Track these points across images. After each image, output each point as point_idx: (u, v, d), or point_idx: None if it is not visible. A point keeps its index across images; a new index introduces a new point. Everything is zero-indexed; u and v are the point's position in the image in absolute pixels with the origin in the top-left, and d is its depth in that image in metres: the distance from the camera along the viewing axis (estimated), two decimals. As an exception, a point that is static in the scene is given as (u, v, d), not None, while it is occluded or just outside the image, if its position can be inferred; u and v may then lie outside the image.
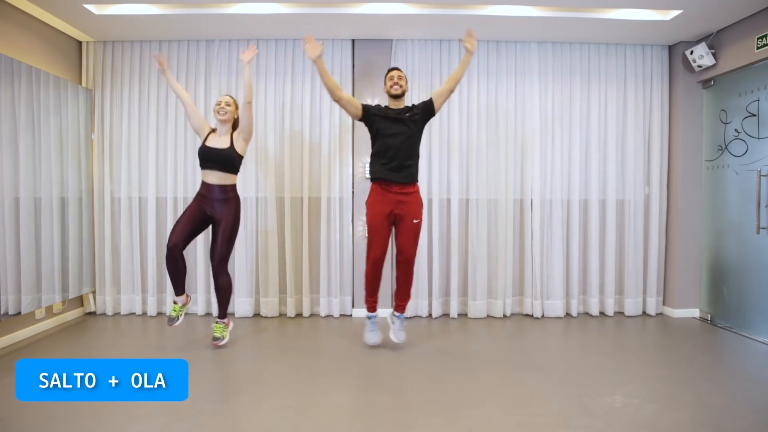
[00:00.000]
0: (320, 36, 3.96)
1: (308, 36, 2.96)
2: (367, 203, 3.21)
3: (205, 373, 2.76)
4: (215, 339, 3.21)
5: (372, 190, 3.18)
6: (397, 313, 3.25)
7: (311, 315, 4.06)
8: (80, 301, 4.03)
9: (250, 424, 2.16)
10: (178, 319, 3.24)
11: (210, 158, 3.10)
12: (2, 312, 3.10)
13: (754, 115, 3.50)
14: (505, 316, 4.05)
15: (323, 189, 4.02)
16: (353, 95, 4.03)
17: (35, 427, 2.11)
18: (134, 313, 4.06)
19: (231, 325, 3.36)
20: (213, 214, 3.14)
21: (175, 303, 3.25)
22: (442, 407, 2.34)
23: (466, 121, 4.04)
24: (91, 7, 3.38)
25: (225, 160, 3.11)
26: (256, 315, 4.05)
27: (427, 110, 3.15)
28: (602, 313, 4.15)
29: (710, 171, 3.96)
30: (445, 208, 4.06)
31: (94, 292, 4.06)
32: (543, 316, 4.07)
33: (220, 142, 3.15)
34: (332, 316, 4.02)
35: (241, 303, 4.00)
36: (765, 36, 3.31)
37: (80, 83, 4.02)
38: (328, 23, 3.66)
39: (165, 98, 4.05)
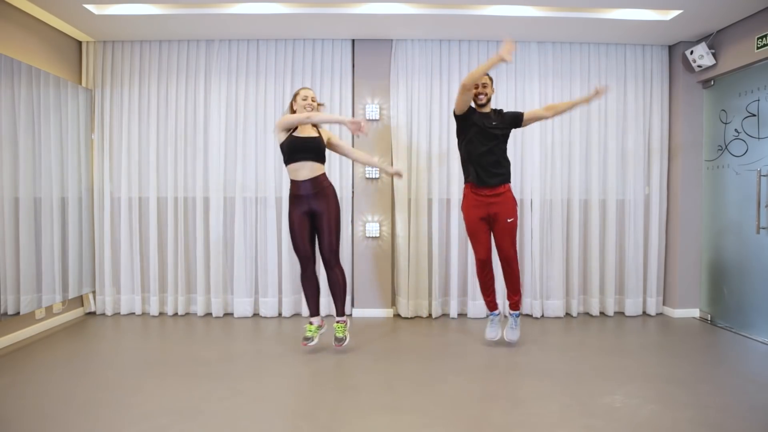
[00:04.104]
0: (320, 36, 3.97)
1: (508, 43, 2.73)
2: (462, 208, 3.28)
3: (205, 373, 2.76)
4: (338, 340, 3.07)
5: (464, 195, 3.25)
6: (510, 312, 3.28)
7: (311, 315, 4.06)
8: (80, 301, 4.03)
9: (250, 425, 2.16)
10: (313, 339, 3.08)
11: (304, 148, 2.96)
12: (2, 312, 3.10)
13: (754, 115, 3.50)
14: (504, 316, 4.04)
15: (323, 189, 4.01)
16: (353, 95, 4.04)
17: (35, 427, 2.11)
18: (134, 313, 4.07)
19: (348, 323, 3.23)
20: (313, 208, 3.02)
21: (310, 323, 3.13)
22: (442, 407, 2.34)
23: (466, 121, 4.04)
24: (91, 7, 3.38)
25: (319, 148, 3.02)
26: (255, 315, 4.06)
27: (513, 121, 3.16)
28: (602, 313, 4.15)
29: (710, 171, 3.96)
30: (445, 208, 4.06)
31: (94, 292, 4.06)
32: (543, 316, 4.07)
33: (308, 132, 3.05)
34: (332, 315, 4.02)
35: (240, 303, 4.01)
36: (765, 36, 3.31)
37: (80, 83, 4.02)
38: (328, 23, 3.66)
39: (165, 98, 4.05)
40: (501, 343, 3.34)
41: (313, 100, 3.06)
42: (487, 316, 3.37)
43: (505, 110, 3.23)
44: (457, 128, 3.18)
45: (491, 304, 3.31)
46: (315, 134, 3.07)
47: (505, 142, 3.16)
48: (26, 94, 3.32)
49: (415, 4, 3.40)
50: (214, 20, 3.59)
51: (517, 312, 3.26)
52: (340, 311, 3.16)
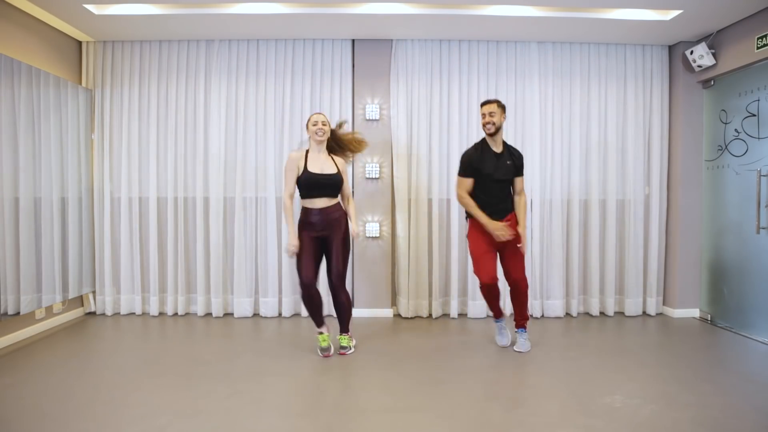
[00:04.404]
0: (320, 36, 3.98)
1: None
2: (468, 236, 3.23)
3: (205, 373, 2.76)
4: (342, 348, 3.14)
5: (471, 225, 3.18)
6: (516, 329, 3.25)
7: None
8: (80, 301, 4.03)
9: (250, 424, 2.16)
10: (330, 348, 3.12)
11: (322, 185, 2.96)
12: (2, 312, 3.10)
13: (754, 115, 3.50)
14: (504, 316, 4.04)
15: (323, 189, 4.01)
16: (353, 95, 4.04)
17: (35, 427, 2.11)
18: (134, 313, 4.07)
19: (354, 341, 3.30)
20: (324, 235, 3.01)
21: (321, 333, 3.13)
22: (442, 407, 2.34)
23: (466, 121, 4.05)
24: (91, 7, 3.38)
25: (336, 185, 3.01)
26: (255, 315, 4.06)
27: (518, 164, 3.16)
28: (602, 313, 4.15)
29: (710, 171, 3.96)
30: (444, 208, 4.06)
31: (94, 292, 4.06)
32: (543, 316, 4.07)
33: (324, 166, 3.01)
34: (332, 315, 4.02)
35: (239, 303, 4.01)
36: (765, 36, 3.31)
37: (80, 83, 4.02)
38: (328, 23, 3.66)
39: (165, 98, 4.05)
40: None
41: (323, 125, 3.02)
42: (495, 322, 3.35)
43: (514, 149, 3.19)
44: None
45: (497, 313, 3.30)
46: (333, 170, 3.02)
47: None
48: (26, 94, 3.32)
49: (415, 4, 3.40)
50: (214, 20, 3.59)
51: (523, 328, 3.23)
52: (345, 329, 3.20)
